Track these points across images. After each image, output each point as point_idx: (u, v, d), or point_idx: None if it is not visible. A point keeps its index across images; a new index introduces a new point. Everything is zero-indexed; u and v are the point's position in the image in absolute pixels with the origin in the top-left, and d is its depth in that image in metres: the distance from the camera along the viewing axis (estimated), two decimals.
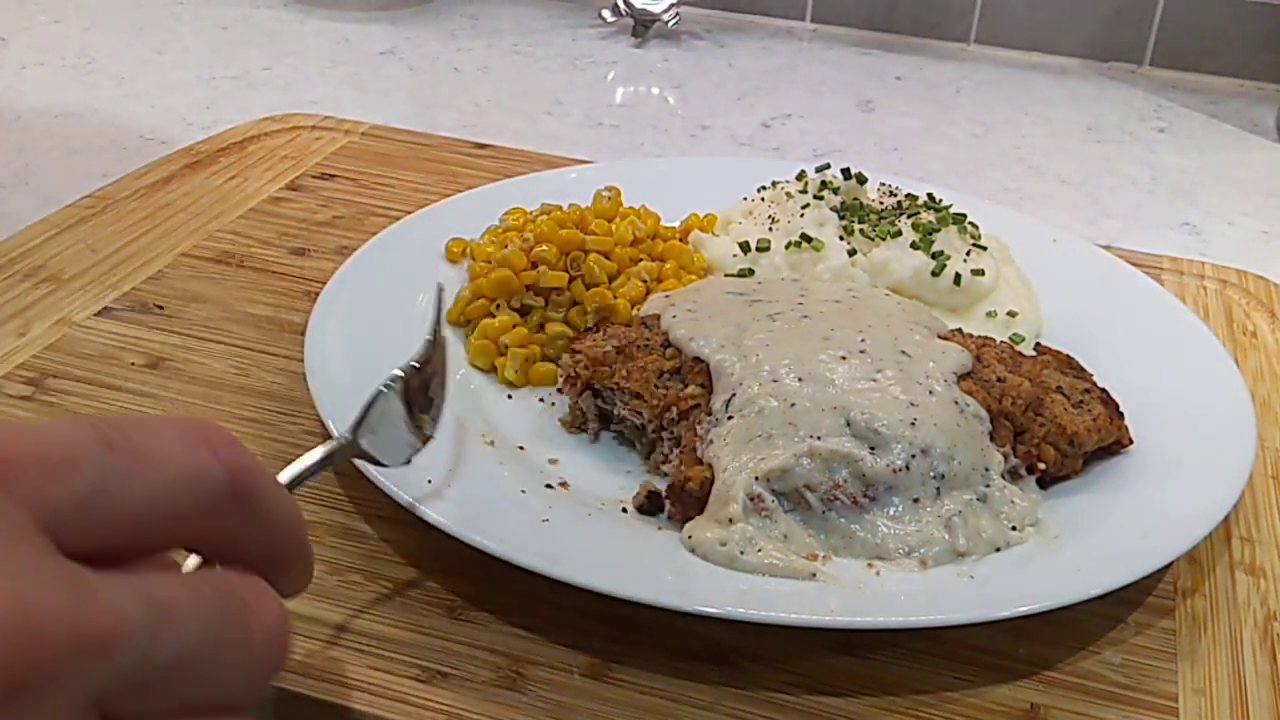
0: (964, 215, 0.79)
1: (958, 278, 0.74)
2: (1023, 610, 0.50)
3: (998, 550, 0.55)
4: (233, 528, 0.30)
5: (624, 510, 0.58)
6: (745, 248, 0.77)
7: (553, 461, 0.62)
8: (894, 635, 0.53)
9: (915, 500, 0.56)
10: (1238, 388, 0.65)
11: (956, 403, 0.59)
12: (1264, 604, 0.57)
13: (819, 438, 0.56)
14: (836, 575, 0.53)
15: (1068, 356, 0.67)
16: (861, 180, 0.83)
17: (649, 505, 0.58)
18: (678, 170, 0.92)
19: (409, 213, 0.82)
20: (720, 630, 0.52)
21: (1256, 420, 0.63)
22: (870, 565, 0.54)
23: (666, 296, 0.70)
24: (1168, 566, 0.56)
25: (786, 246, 0.76)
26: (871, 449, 0.56)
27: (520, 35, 1.37)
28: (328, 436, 0.59)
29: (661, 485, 0.59)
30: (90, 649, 0.24)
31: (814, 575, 0.53)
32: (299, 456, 0.47)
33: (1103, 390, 0.63)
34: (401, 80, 1.23)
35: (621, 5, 1.38)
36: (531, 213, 0.80)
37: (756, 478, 0.55)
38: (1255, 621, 0.56)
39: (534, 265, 0.72)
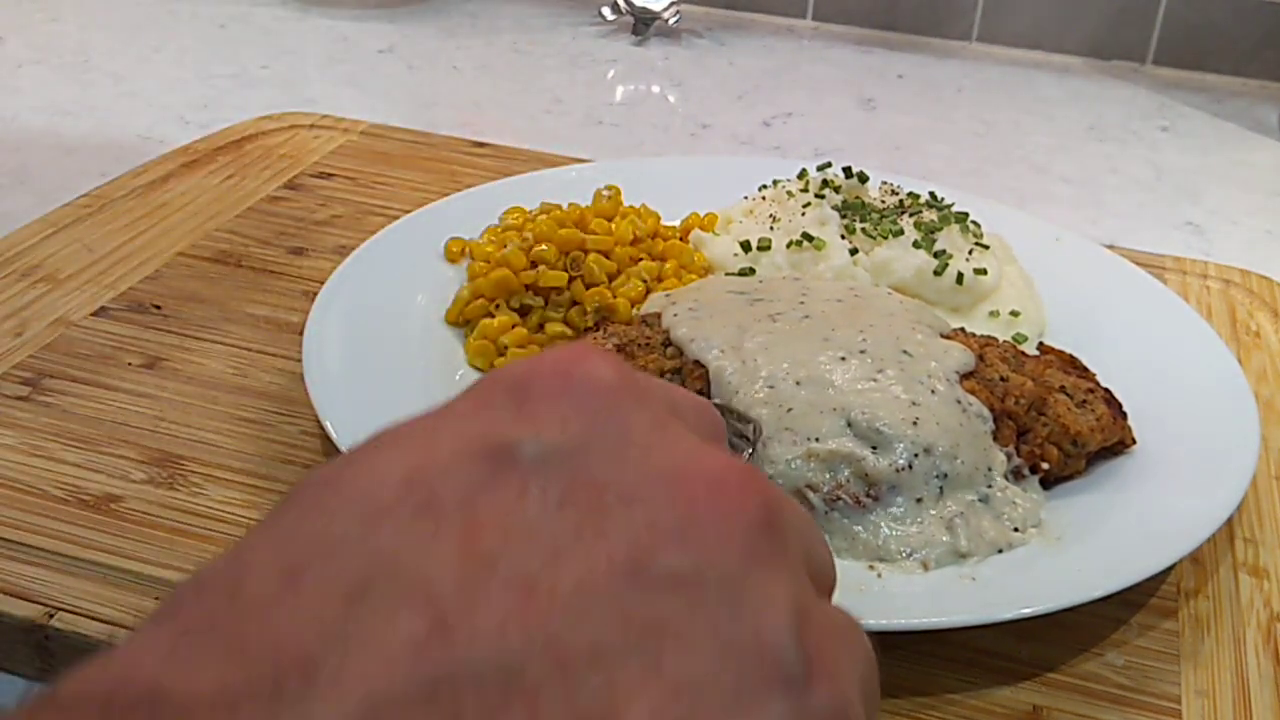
0: (966, 214, 0.79)
1: (960, 277, 0.74)
2: (1025, 612, 0.50)
3: (1000, 551, 0.55)
4: None
5: None
6: (746, 247, 0.76)
7: None
8: (896, 637, 0.52)
9: (918, 500, 0.55)
10: (1241, 388, 0.65)
11: (959, 402, 0.58)
12: (1267, 605, 0.56)
13: (818, 439, 0.56)
14: (837, 577, 0.53)
15: (1071, 356, 0.67)
16: (863, 179, 0.82)
17: None
18: (678, 169, 0.92)
19: (408, 212, 0.81)
20: None
21: (1260, 420, 0.62)
22: (872, 567, 0.54)
23: (667, 295, 0.70)
24: (1171, 568, 0.56)
25: (788, 245, 0.75)
26: (874, 448, 0.55)
27: (519, 33, 1.37)
28: (326, 438, 0.59)
29: None
30: (784, 504, 0.27)
31: None
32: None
33: (1106, 390, 0.63)
34: (400, 78, 1.23)
35: (622, 3, 1.37)
36: (531, 212, 0.80)
37: None
38: (1259, 623, 0.55)
39: (533, 265, 0.72)
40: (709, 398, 0.60)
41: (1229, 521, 0.57)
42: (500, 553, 0.23)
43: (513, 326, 0.70)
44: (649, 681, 0.22)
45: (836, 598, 0.51)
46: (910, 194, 0.82)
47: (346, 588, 0.23)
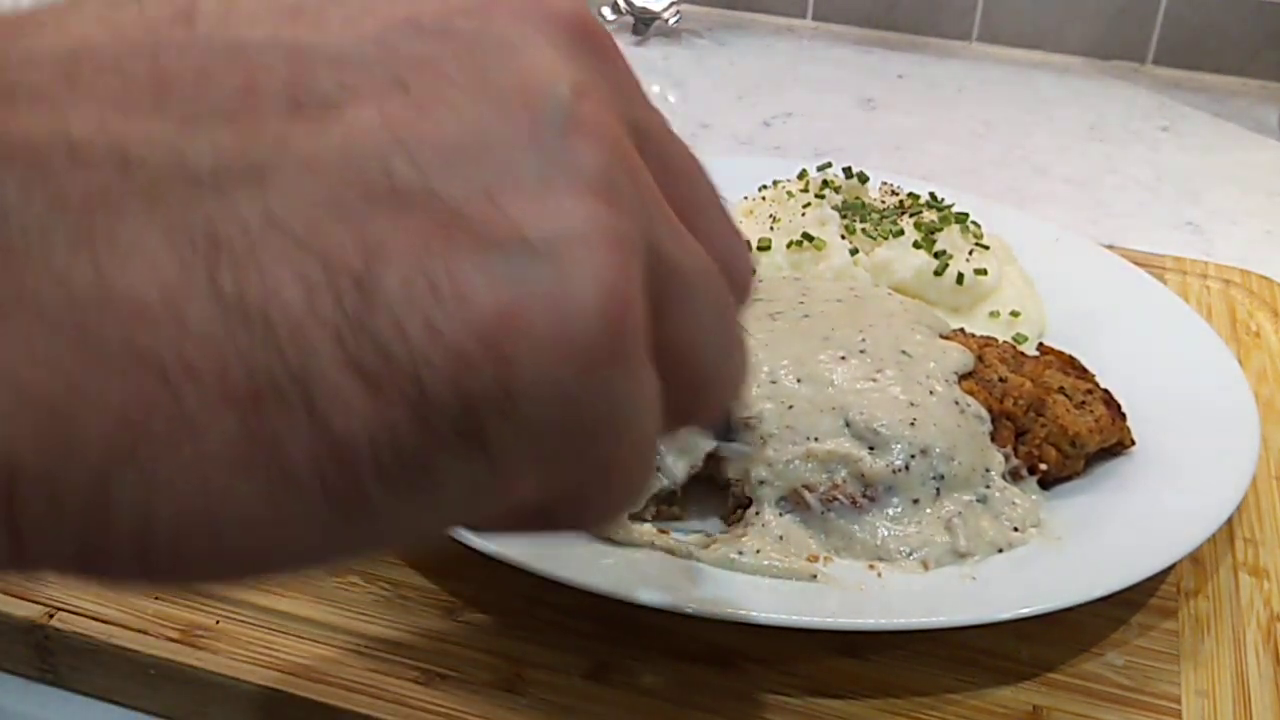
0: (966, 214, 0.79)
1: (960, 277, 0.74)
2: (1025, 612, 0.50)
3: (1000, 551, 0.55)
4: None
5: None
6: None
7: None
8: (896, 637, 0.52)
9: (915, 501, 0.55)
10: (1241, 388, 0.65)
11: (957, 403, 0.58)
12: (1267, 605, 0.56)
13: (817, 439, 0.56)
14: (838, 577, 0.53)
15: (1070, 357, 0.67)
16: (863, 179, 0.82)
17: None
18: None
19: None
20: (721, 632, 0.52)
21: (1260, 421, 0.62)
22: (872, 566, 0.54)
23: None
24: (1171, 568, 0.56)
25: (788, 246, 0.75)
26: (871, 449, 0.55)
27: None
28: None
29: None
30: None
31: (815, 577, 0.53)
32: None
33: (1105, 391, 0.63)
34: None
35: (622, 3, 1.37)
36: None
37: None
38: (1259, 623, 0.55)
39: None
40: None
41: (1229, 521, 0.57)
42: None
43: None
44: (390, 94, 0.20)
45: (836, 597, 0.51)
46: (910, 194, 0.82)
47: None
